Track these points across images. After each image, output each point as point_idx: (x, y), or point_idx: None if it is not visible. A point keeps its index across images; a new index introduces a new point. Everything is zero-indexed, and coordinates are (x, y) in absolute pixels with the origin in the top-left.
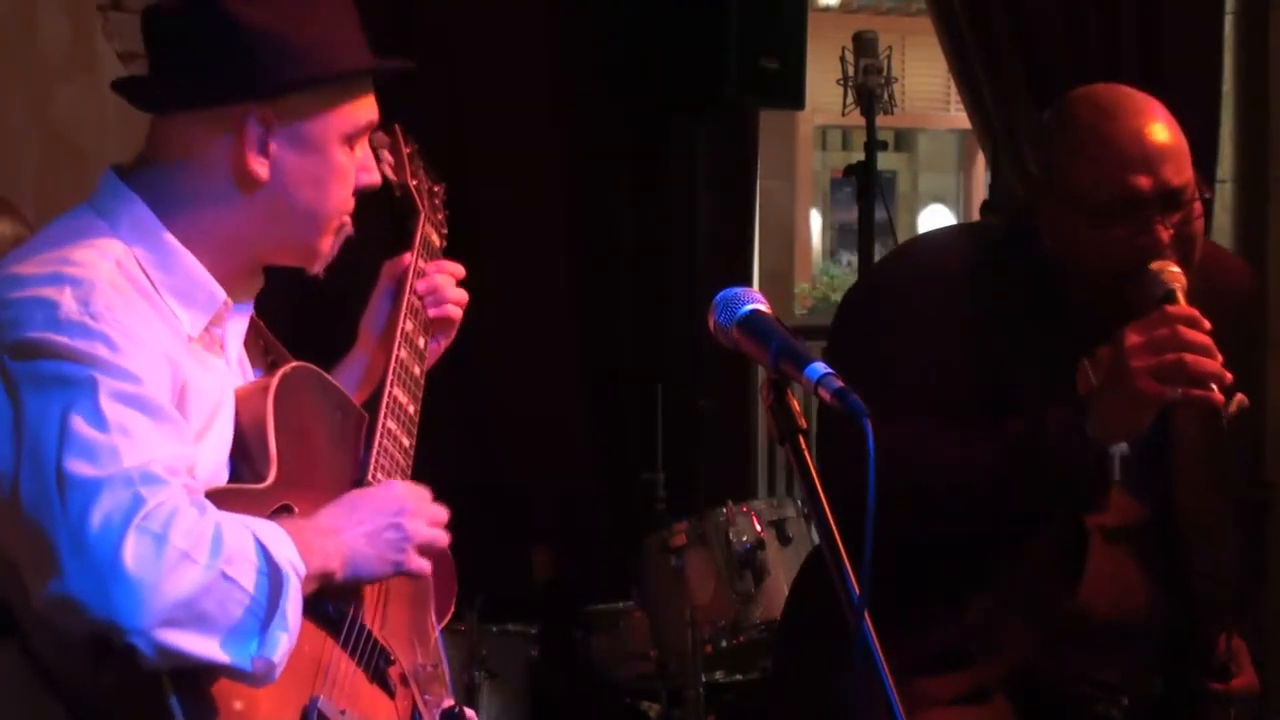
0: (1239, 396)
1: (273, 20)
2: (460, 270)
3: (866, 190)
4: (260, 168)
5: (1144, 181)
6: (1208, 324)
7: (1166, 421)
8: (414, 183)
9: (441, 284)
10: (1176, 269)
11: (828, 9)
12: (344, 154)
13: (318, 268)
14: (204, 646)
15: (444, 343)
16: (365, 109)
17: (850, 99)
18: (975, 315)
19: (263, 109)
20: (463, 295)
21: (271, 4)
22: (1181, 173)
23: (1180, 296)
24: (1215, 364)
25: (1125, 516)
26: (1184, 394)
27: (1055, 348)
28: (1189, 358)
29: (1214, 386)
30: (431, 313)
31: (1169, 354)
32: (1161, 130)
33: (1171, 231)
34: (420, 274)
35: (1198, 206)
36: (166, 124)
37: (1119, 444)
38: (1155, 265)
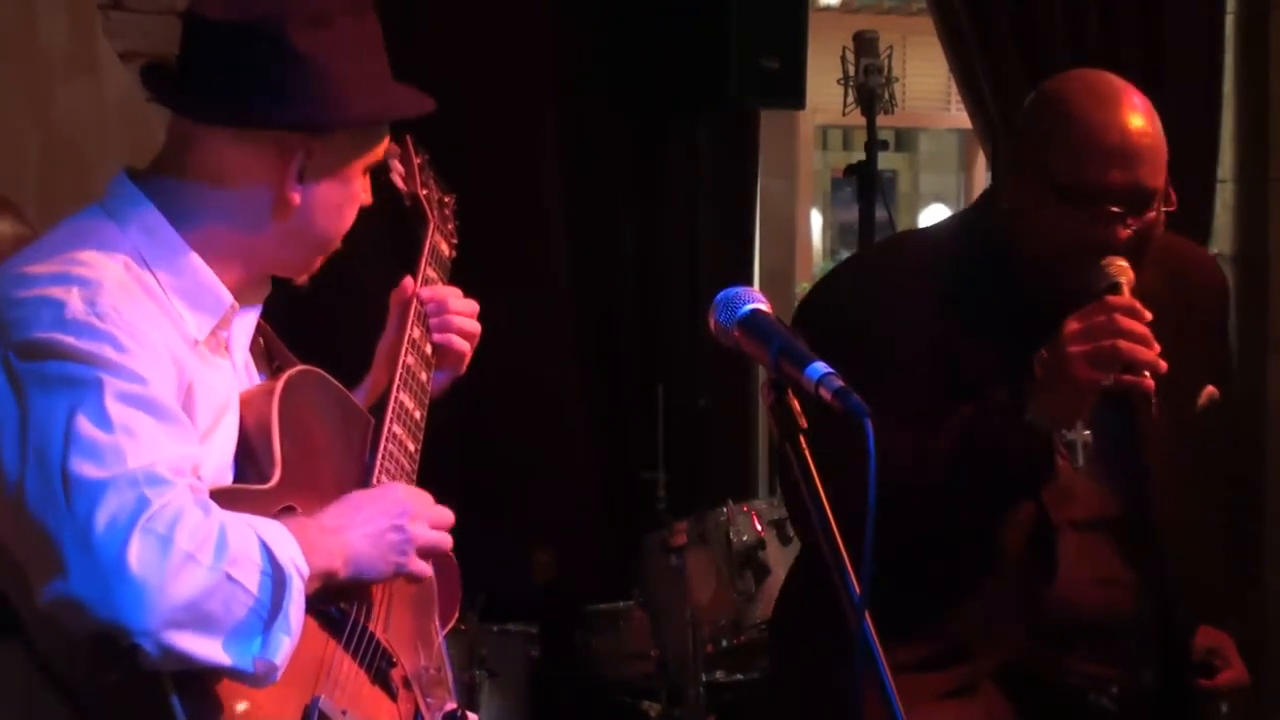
0: (1208, 389)
1: (326, 53)
2: (474, 306)
3: (867, 190)
4: (296, 196)
5: (1118, 177)
6: (1148, 315)
7: (1133, 413)
8: (424, 192)
9: (446, 296)
10: (1124, 263)
11: (828, 8)
12: (361, 183)
13: (303, 279)
14: (207, 648)
15: (449, 376)
16: (386, 142)
17: (851, 98)
18: (932, 306)
19: (312, 143)
20: (472, 327)
21: (325, 36)
22: (1156, 176)
23: (1125, 289)
24: (1150, 353)
25: (1100, 509)
26: (1115, 380)
27: (1014, 336)
28: (1123, 344)
29: (1146, 374)
30: (436, 338)
31: (1104, 340)
32: (1146, 131)
33: (1130, 232)
34: (429, 282)
35: (1161, 214)
36: (200, 140)
37: (1080, 431)
38: (1104, 260)
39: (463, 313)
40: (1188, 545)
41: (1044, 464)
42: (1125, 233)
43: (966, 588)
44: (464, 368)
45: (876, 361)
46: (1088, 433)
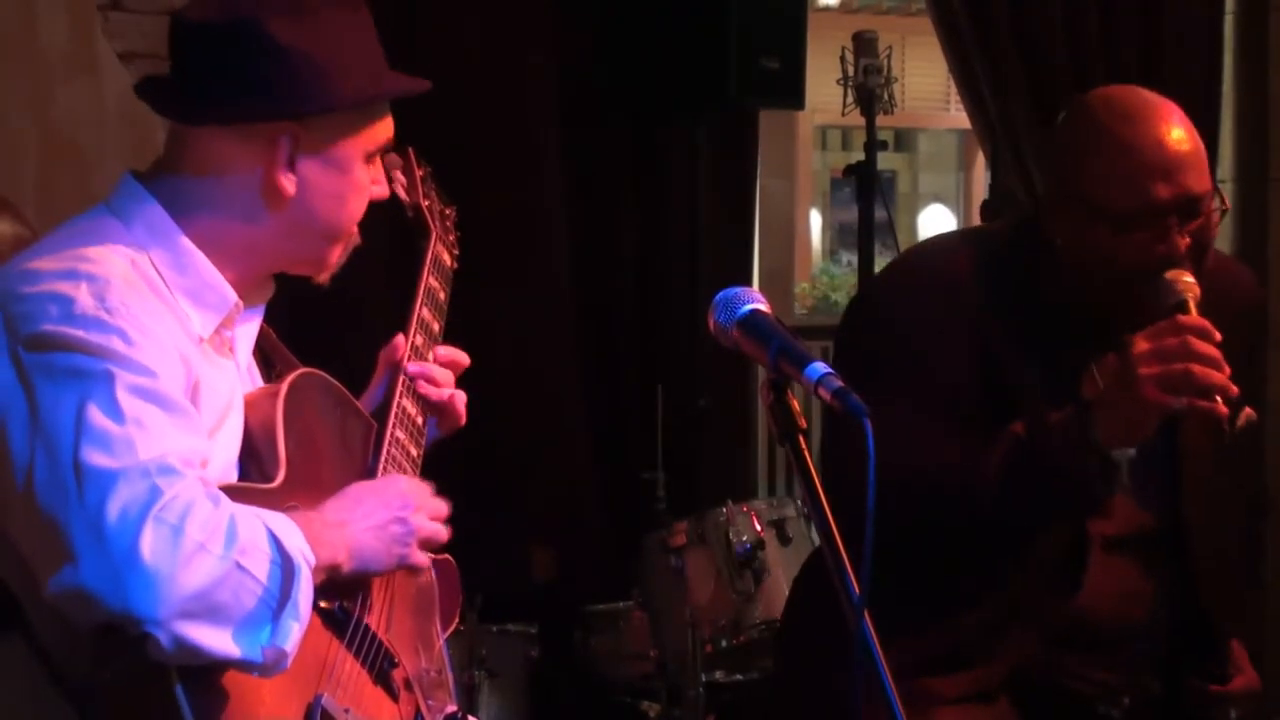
0: (1246, 410)
1: (308, 41)
2: (463, 360)
3: (866, 190)
4: (289, 184)
5: (1165, 190)
6: (1218, 335)
7: (1174, 431)
8: (426, 204)
9: (434, 373)
10: (1190, 278)
11: (828, 9)
12: (363, 170)
13: (325, 277)
14: (217, 640)
15: (444, 430)
16: (385, 128)
17: (850, 99)
18: (980, 322)
19: (295, 128)
20: (458, 393)
21: (306, 25)
22: (1202, 181)
23: (1192, 306)
24: (1222, 376)
25: (1129, 524)
26: (1189, 404)
27: (1061, 354)
28: (1196, 368)
29: (1218, 399)
30: (421, 389)
31: (1176, 364)
32: (1182, 137)
33: (1188, 240)
34: (431, 291)
35: (1215, 215)
36: (193, 136)
37: (1125, 450)
38: (1170, 274)
39: (448, 382)
40: (1217, 559)
41: (1102, 485)
42: (1184, 242)
43: (984, 591)
44: (456, 418)
45: (926, 374)
46: (1131, 451)
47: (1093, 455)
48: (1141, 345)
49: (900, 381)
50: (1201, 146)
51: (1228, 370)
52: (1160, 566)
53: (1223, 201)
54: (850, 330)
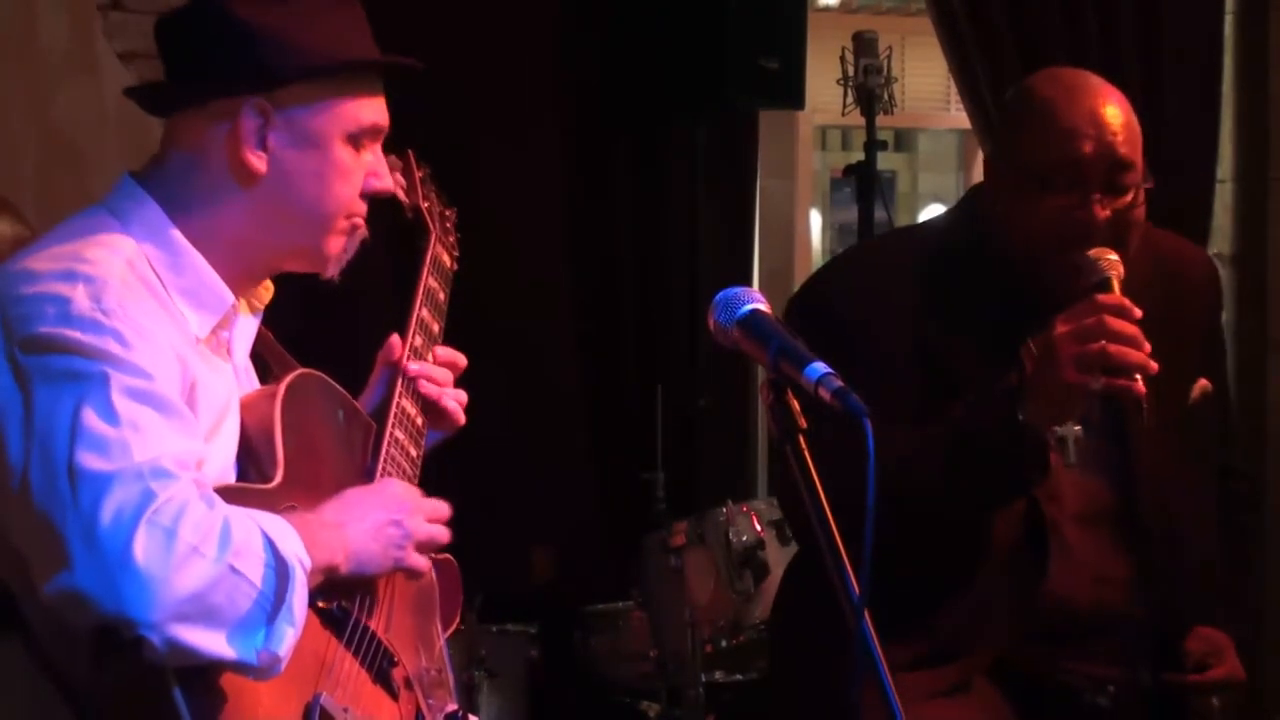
0: (1202, 382)
1: (275, 19)
2: (461, 361)
3: (866, 190)
4: (257, 160)
5: (1089, 147)
6: (1138, 312)
7: (1121, 407)
8: (425, 205)
9: (434, 373)
10: (1114, 256)
11: (827, 9)
12: (347, 153)
13: (331, 271)
14: (212, 642)
15: (446, 430)
16: (371, 109)
17: (850, 99)
18: (919, 304)
19: (259, 100)
20: (458, 394)
21: (276, 6)
22: (1129, 147)
23: (1115, 285)
24: (1139, 355)
25: (1099, 503)
26: (1105, 384)
27: (1000, 333)
28: (1112, 347)
29: (1138, 377)
30: (421, 389)
31: (1093, 343)
32: (1116, 112)
33: (1108, 213)
34: (431, 292)
35: (1141, 194)
36: (173, 127)
37: (1070, 427)
38: (1093, 252)
39: (447, 382)
40: (1181, 541)
41: (1038, 464)
42: (1104, 213)
43: (955, 584)
44: (462, 420)
45: (863, 359)
46: (1078, 428)
47: (1026, 435)
48: (1061, 327)
49: (845, 373)
50: (1137, 130)
51: (1147, 348)
52: (1131, 549)
53: (1148, 180)
54: (787, 316)
